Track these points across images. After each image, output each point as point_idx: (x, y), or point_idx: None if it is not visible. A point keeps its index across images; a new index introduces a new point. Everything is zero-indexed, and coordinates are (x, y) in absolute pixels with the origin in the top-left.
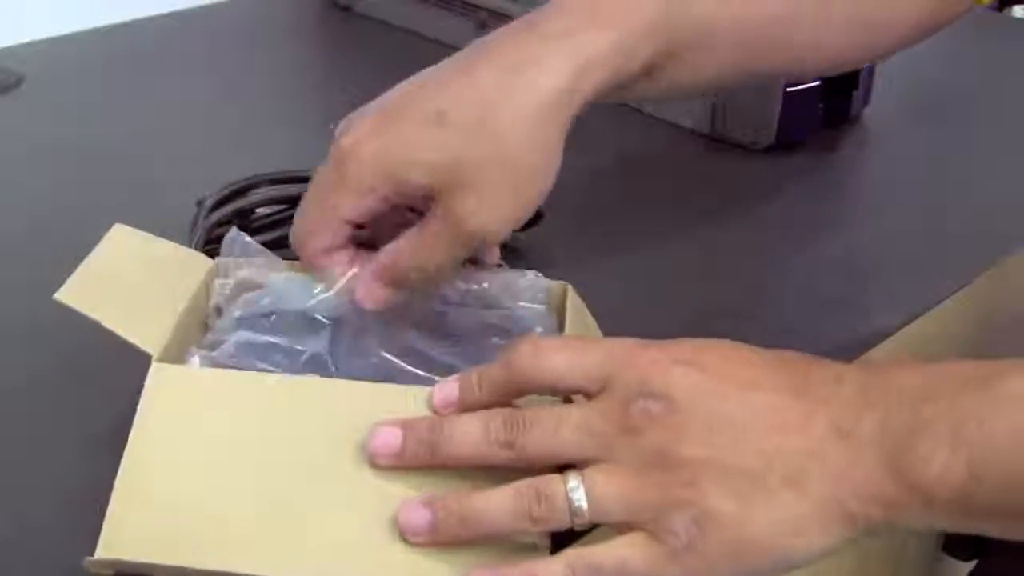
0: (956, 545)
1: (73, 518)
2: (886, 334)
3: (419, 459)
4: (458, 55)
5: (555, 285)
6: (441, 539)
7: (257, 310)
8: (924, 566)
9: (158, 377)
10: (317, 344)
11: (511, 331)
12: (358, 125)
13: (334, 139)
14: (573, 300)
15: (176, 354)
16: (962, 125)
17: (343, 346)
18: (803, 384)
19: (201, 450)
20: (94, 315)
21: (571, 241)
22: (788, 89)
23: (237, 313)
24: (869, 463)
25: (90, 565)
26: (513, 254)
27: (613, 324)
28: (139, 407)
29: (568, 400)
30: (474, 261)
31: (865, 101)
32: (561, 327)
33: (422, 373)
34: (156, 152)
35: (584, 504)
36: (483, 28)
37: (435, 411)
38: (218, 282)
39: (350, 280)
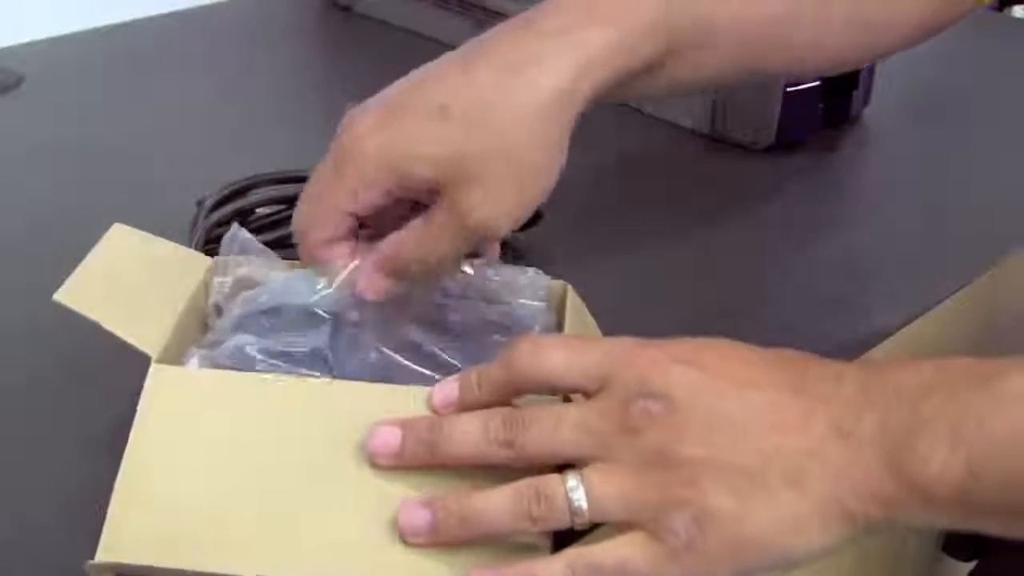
0: (956, 545)
1: (73, 519)
2: (886, 334)
3: (418, 458)
4: (455, 52)
5: (555, 284)
6: (441, 539)
7: (256, 307)
8: (924, 566)
9: (157, 378)
10: (317, 338)
11: (511, 328)
12: (360, 120)
13: (336, 134)
14: (572, 300)
15: (175, 355)
16: (962, 125)
17: (343, 341)
18: (802, 383)
19: (201, 451)
20: (93, 316)
21: (571, 241)
22: (788, 89)
23: (237, 312)
24: (868, 461)
25: (91, 569)
26: (513, 254)
27: (613, 324)
28: (139, 408)
29: (568, 399)
30: (474, 256)
31: (865, 101)
32: (560, 326)
33: (421, 369)
34: (156, 152)
35: (584, 503)
36: (482, 28)
37: (435, 411)
38: (217, 280)
39: (351, 273)
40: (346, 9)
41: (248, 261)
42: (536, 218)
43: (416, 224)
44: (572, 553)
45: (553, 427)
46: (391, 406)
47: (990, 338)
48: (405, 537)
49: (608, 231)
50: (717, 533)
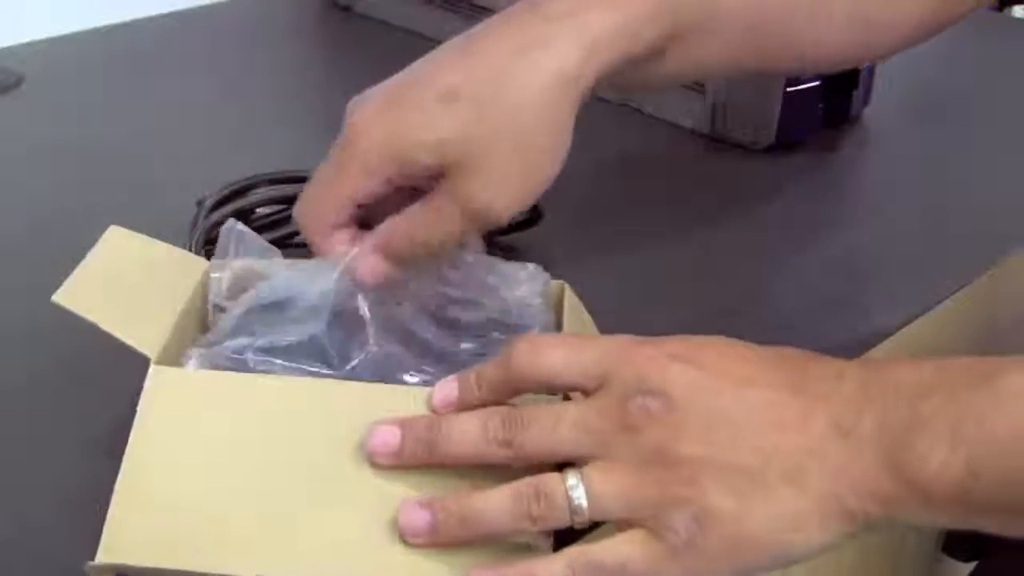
0: (956, 546)
1: (73, 519)
2: (886, 334)
3: (417, 458)
4: (458, 38)
5: (553, 284)
6: (441, 540)
7: (258, 302)
8: (924, 567)
9: (157, 379)
10: (315, 327)
11: (510, 324)
12: (363, 108)
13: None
14: (570, 299)
15: (174, 356)
16: (962, 125)
17: (342, 333)
18: (801, 381)
19: (201, 452)
20: (91, 317)
21: (571, 241)
22: (788, 89)
23: (237, 311)
24: (868, 460)
25: (91, 570)
26: (513, 254)
27: (613, 324)
28: (138, 409)
29: (567, 398)
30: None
31: (865, 101)
32: (559, 325)
33: (422, 362)
34: (156, 152)
35: (584, 502)
36: None
37: (434, 410)
38: (213, 276)
39: (351, 261)
40: (346, 9)
41: (246, 254)
42: (536, 218)
43: (417, 208)
44: (572, 552)
45: (552, 426)
46: (391, 406)
47: (990, 338)
48: (405, 537)
49: (608, 231)
50: (717, 531)
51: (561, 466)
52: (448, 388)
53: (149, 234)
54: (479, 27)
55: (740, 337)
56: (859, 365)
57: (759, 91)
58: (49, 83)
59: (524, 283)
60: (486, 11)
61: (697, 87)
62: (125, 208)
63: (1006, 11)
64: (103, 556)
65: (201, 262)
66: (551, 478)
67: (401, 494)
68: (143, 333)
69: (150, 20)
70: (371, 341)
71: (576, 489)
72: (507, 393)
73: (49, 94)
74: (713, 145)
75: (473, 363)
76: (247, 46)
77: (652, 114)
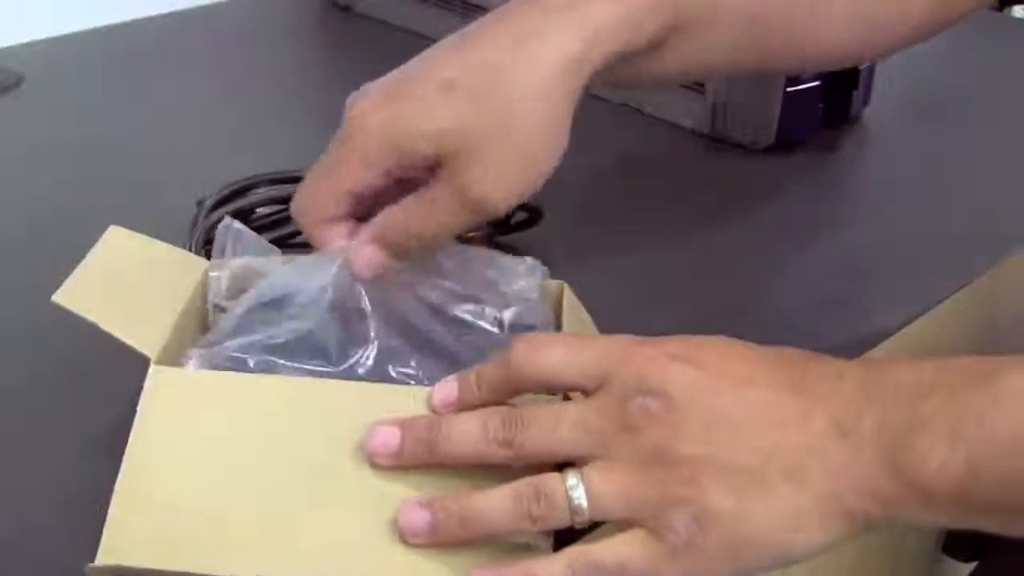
0: (956, 546)
1: (73, 519)
2: (886, 334)
3: (417, 458)
4: (459, 32)
5: (552, 284)
6: (441, 540)
7: (258, 300)
8: (924, 567)
9: (157, 379)
10: (313, 324)
11: (509, 318)
12: (362, 100)
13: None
14: (569, 299)
15: (174, 356)
16: (962, 125)
17: (342, 328)
18: (801, 380)
19: (201, 452)
20: (91, 317)
21: (571, 241)
22: (788, 89)
23: (237, 311)
24: (868, 460)
25: (91, 572)
26: (513, 254)
27: (613, 324)
28: (138, 410)
29: (567, 398)
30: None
31: (865, 101)
32: (558, 323)
33: (421, 355)
34: (156, 152)
35: (584, 502)
36: None
37: (434, 410)
38: (212, 275)
39: (350, 254)
40: (346, 9)
41: (243, 250)
42: (536, 218)
43: (414, 198)
44: (572, 552)
45: (552, 426)
46: (391, 406)
47: (990, 338)
48: (405, 538)
49: (608, 231)
50: (717, 531)
51: (561, 466)
52: (448, 388)
53: (149, 234)
54: (480, 21)
55: (740, 337)
56: (859, 365)
57: (759, 91)
58: (49, 83)
59: (523, 277)
60: (485, 11)
61: (697, 87)
62: (125, 208)
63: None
64: (103, 558)
65: (201, 262)
66: (551, 478)
67: (401, 494)
68: (143, 333)
69: (150, 20)
70: (372, 335)
71: (576, 489)
72: (507, 393)
73: (49, 94)
74: (713, 145)
75: (473, 356)
76: (247, 46)
77: (652, 114)
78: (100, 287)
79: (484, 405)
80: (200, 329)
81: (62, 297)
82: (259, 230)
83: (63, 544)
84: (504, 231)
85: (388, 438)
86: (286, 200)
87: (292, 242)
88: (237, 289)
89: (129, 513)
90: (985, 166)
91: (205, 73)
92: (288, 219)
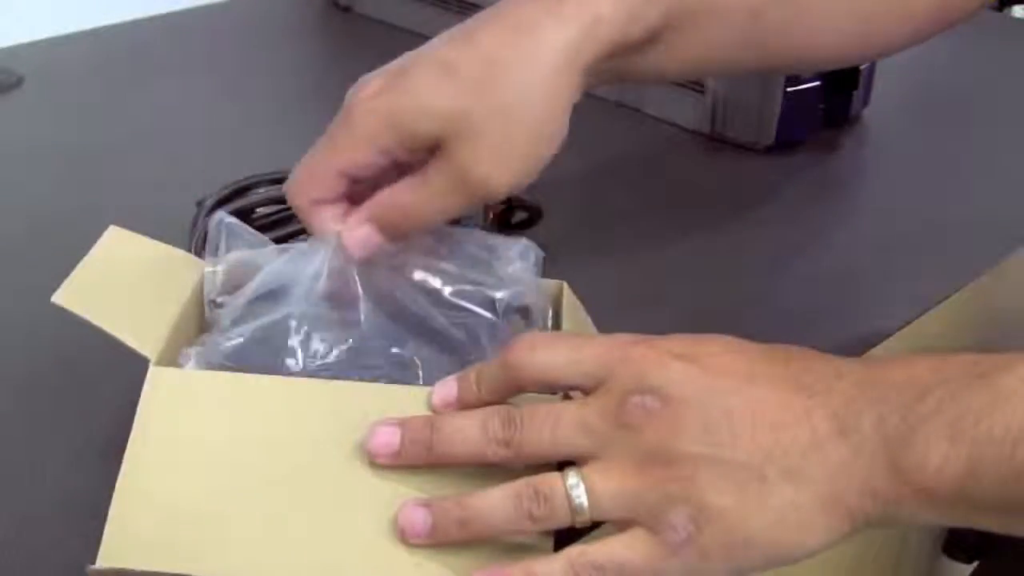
0: (956, 547)
1: (73, 519)
2: (886, 334)
3: (417, 458)
4: (461, 24)
5: (552, 284)
6: (441, 540)
7: (254, 294)
8: (924, 568)
9: (156, 380)
10: (304, 308)
11: (500, 299)
12: (365, 87)
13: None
14: (568, 298)
15: (173, 356)
16: (962, 125)
17: (335, 312)
18: (801, 379)
19: (201, 453)
20: (91, 318)
21: (571, 241)
22: (788, 89)
23: (234, 305)
24: (867, 458)
25: (92, 574)
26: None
27: (612, 324)
28: (138, 410)
29: (567, 397)
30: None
31: (865, 101)
32: (558, 323)
33: (416, 338)
34: (156, 152)
35: (584, 502)
36: None
37: (434, 410)
38: (207, 270)
39: (344, 237)
40: (346, 9)
41: (237, 244)
42: (536, 218)
43: (412, 179)
44: (572, 552)
45: (552, 425)
46: (391, 406)
47: (990, 338)
48: (404, 538)
49: (608, 231)
50: (716, 530)
51: (561, 465)
52: (447, 387)
53: (149, 234)
54: (481, 13)
55: (740, 336)
56: (859, 364)
57: (759, 91)
58: (49, 83)
59: (516, 259)
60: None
61: (697, 87)
62: (125, 208)
63: (1006, 11)
64: (104, 560)
65: (200, 263)
66: (551, 478)
67: (401, 494)
68: (142, 334)
69: (150, 20)
70: (363, 317)
71: (576, 489)
72: (507, 392)
73: (49, 94)
74: (713, 145)
75: (467, 339)
76: (247, 46)
77: (652, 114)
78: (99, 287)
79: (484, 405)
80: (198, 329)
81: (61, 298)
82: (259, 230)
83: (63, 544)
84: (504, 231)
85: (388, 438)
86: (286, 200)
87: (293, 242)
88: (232, 285)
89: (129, 515)
90: (985, 166)
91: (205, 73)
92: (288, 219)
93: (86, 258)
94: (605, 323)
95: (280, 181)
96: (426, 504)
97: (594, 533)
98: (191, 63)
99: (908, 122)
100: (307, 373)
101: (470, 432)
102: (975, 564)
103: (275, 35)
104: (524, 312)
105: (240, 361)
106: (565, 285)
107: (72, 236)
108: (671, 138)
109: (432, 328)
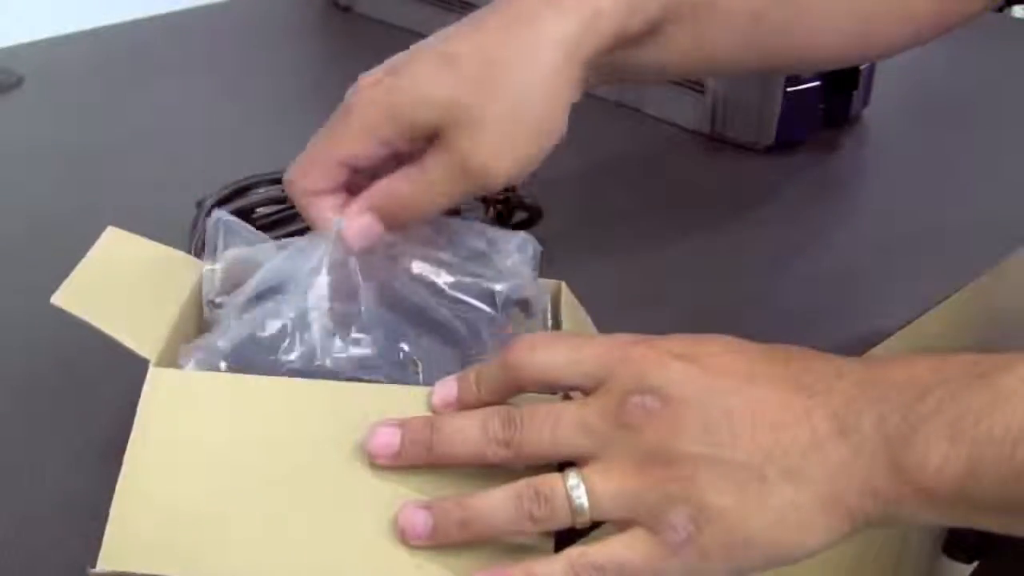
0: (956, 547)
1: (73, 519)
2: (886, 334)
3: (417, 458)
4: (463, 19)
5: (551, 284)
6: (441, 541)
7: (254, 292)
8: (924, 568)
9: (156, 381)
10: (306, 304)
11: (499, 292)
12: (366, 78)
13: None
14: (567, 298)
15: (173, 357)
16: (962, 125)
17: (335, 304)
18: (801, 379)
19: (201, 453)
20: (90, 319)
21: (571, 241)
22: (788, 89)
23: (234, 303)
24: (867, 458)
25: None
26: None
27: (612, 324)
28: (138, 411)
29: (567, 397)
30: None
31: (865, 101)
32: (557, 322)
33: (415, 329)
34: (156, 152)
35: (585, 502)
36: None
37: (434, 410)
38: (205, 269)
39: (344, 230)
40: (346, 9)
41: (235, 241)
42: (536, 218)
43: (412, 167)
44: (572, 552)
45: (552, 426)
46: (391, 406)
47: (990, 338)
48: (405, 539)
49: (608, 231)
50: (716, 529)
51: (561, 466)
52: (447, 388)
53: (149, 235)
54: (482, 8)
55: (740, 336)
56: (858, 363)
57: (759, 91)
58: (49, 83)
59: (514, 252)
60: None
61: (697, 87)
62: (125, 208)
63: (1006, 11)
64: (104, 563)
65: (199, 263)
66: (551, 478)
67: (401, 495)
68: (142, 335)
69: (150, 20)
70: (363, 308)
71: (577, 489)
72: (507, 393)
73: (49, 94)
74: (713, 145)
75: (466, 331)
76: (247, 46)
77: (652, 114)
78: (98, 289)
79: (484, 405)
80: (198, 330)
81: (60, 299)
82: (259, 230)
83: (63, 544)
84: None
85: (388, 438)
86: (286, 200)
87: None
88: (231, 283)
89: (129, 516)
90: (985, 166)
91: (205, 73)
92: (289, 219)
93: (84, 259)
94: (605, 323)
95: (280, 181)
96: (427, 505)
97: (594, 533)
98: (191, 63)
99: (908, 122)
100: (307, 372)
101: (470, 432)
102: (975, 564)
103: (275, 35)
104: (524, 305)
105: (240, 361)
106: (563, 285)
107: (72, 236)
108: (671, 138)
109: (433, 319)
